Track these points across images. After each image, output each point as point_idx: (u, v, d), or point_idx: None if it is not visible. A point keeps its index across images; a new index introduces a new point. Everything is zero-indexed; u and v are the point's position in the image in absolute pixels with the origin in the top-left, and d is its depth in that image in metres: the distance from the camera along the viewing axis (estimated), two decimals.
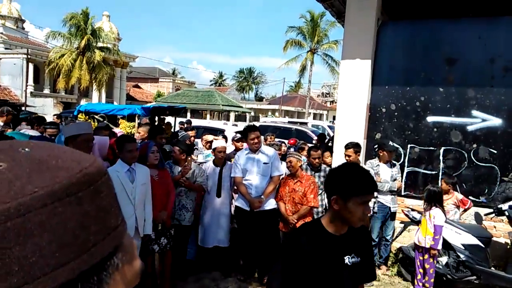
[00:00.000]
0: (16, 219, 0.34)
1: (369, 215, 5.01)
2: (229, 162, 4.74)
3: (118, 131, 6.73)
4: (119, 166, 3.55)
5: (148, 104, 19.28)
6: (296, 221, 4.24)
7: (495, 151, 5.12)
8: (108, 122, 9.58)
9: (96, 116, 10.18)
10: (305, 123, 17.67)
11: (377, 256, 5.03)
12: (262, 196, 4.27)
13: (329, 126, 17.01)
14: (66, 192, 0.37)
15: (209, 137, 6.28)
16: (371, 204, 4.91)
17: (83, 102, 24.48)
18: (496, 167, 5.12)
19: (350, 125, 5.79)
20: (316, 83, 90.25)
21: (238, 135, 5.94)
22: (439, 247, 4.19)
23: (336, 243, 1.67)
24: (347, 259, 1.70)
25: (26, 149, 0.40)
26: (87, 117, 10.18)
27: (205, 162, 4.97)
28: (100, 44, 27.84)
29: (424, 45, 5.56)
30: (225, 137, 7.44)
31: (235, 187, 4.54)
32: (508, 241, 4.68)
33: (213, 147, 4.78)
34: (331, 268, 1.67)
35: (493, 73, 5.15)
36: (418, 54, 5.59)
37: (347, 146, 4.78)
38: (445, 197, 4.60)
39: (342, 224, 1.68)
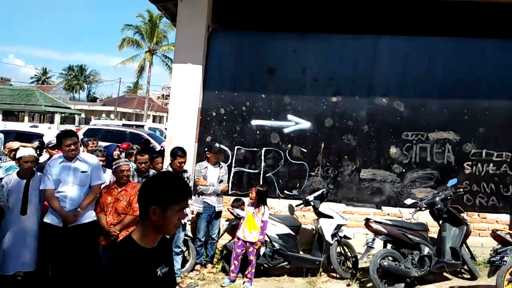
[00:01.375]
0: None
1: (193, 216, 5.14)
2: (39, 173, 4.09)
3: None
4: None
5: None
6: (118, 232, 3.95)
7: (305, 150, 5.91)
8: None
9: None
10: (142, 126, 17.03)
11: (204, 256, 5.16)
12: (79, 209, 3.83)
13: (166, 129, 16.83)
14: None
15: (15, 144, 5.31)
16: (198, 205, 5.02)
17: None
18: (306, 164, 5.91)
19: (182, 128, 5.80)
20: (156, 84, 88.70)
21: (54, 141, 5.21)
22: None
23: (149, 256, 1.64)
24: (159, 271, 1.68)
25: None
26: None
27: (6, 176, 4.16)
28: None
29: (249, 54, 6.01)
30: (42, 144, 6.48)
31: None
32: (314, 227, 5.47)
33: (17, 156, 4.05)
34: (146, 284, 1.61)
35: (305, 83, 5.93)
36: (244, 62, 6.01)
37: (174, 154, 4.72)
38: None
39: (156, 235, 1.65)
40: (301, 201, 5.31)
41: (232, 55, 6.04)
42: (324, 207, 5.18)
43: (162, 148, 9.16)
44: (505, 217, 5.68)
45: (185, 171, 4.84)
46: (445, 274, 4.99)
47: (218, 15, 6.97)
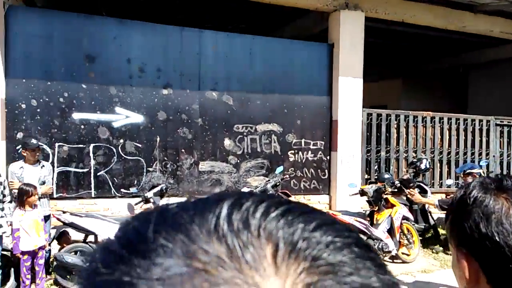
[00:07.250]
0: None
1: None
2: None
3: None
4: None
5: None
6: None
7: (140, 145, 5.53)
8: None
9: None
10: None
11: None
12: None
13: None
14: None
15: None
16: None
17: None
18: (142, 159, 5.54)
19: None
20: None
21: None
22: None
23: None
24: None
25: None
26: None
27: None
28: None
29: (62, 38, 5.21)
30: None
31: None
32: None
33: None
34: None
35: (131, 73, 5.48)
36: (56, 46, 5.20)
37: None
38: None
39: None
40: (140, 199, 4.93)
41: (40, 37, 5.09)
42: (165, 203, 4.93)
43: None
44: (325, 198, 6.52)
45: None
46: None
47: None
